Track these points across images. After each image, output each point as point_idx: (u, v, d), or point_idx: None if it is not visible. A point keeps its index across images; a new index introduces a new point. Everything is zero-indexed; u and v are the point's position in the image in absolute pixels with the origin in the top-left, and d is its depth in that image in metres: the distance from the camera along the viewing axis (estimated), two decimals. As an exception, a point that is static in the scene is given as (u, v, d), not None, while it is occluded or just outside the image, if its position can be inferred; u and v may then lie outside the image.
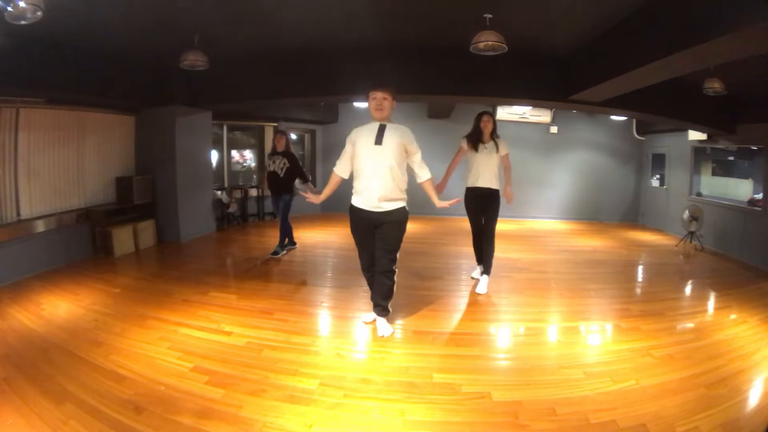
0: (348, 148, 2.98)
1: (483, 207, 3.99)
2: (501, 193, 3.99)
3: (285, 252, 5.33)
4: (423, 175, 3.02)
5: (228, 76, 5.16)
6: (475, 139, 3.94)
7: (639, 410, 2.15)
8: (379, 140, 2.83)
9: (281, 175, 5.06)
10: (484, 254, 4.06)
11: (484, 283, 3.98)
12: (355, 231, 3.03)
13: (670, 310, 3.65)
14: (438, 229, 7.17)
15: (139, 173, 5.72)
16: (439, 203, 3.02)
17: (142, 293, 3.81)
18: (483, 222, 4.02)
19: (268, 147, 7.95)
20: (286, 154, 5.11)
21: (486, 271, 4.05)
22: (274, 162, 5.10)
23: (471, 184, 4.01)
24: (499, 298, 3.89)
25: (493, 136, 3.95)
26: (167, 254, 5.38)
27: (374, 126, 2.89)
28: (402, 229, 2.97)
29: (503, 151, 3.98)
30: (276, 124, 7.84)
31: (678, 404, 2.21)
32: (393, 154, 2.83)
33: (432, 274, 4.53)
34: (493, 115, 3.97)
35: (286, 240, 5.36)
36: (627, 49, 3.24)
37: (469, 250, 4.33)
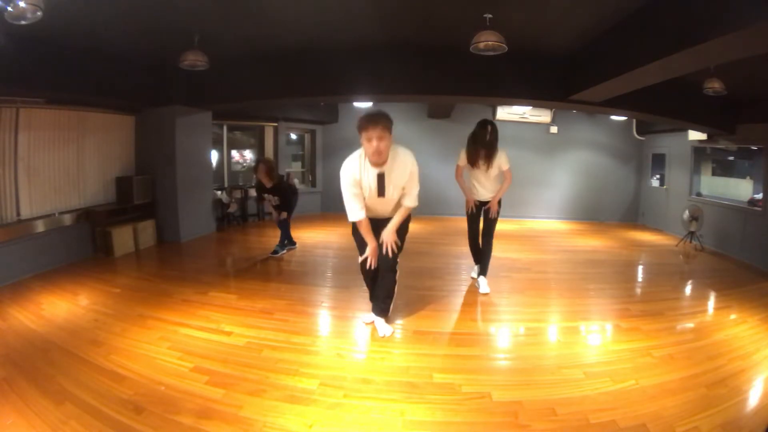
0: (355, 190, 2.75)
1: (482, 213, 4.01)
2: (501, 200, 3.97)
3: (285, 251, 5.34)
4: (409, 201, 2.89)
5: (228, 76, 5.16)
6: (473, 157, 3.80)
7: (639, 410, 2.15)
8: (381, 192, 2.78)
9: (278, 205, 5.09)
10: (482, 255, 4.06)
11: (484, 284, 3.99)
12: (358, 233, 3.02)
13: (670, 310, 3.65)
14: (438, 229, 7.16)
15: (139, 173, 5.72)
16: None
17: (142, 293, 3.81)
18: (481, 226, 4.04)
19: (268, 147, 7.98)
20: (276, 190, 5.01)
21: (483, 272, 4.06)
22: (269, 201, 5.12)
23: (472, 194, 4.03)
24: (499, 298, 3.89)
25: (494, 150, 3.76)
26: (167, 254, 5.38)
27: (372, 173, 2.73)
28: (405, 227, 3.01)
29: (504, 165, 3.83)
30: (276, 124, 7.84)
31: (678, 404, 2.20)
32: (397, 196, 2.86)
33: (432, 274, 4.53)
34: (494, 126, 3.69)
35: (286, 241, 5.37)
36: (627, 49, 3.23)
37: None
